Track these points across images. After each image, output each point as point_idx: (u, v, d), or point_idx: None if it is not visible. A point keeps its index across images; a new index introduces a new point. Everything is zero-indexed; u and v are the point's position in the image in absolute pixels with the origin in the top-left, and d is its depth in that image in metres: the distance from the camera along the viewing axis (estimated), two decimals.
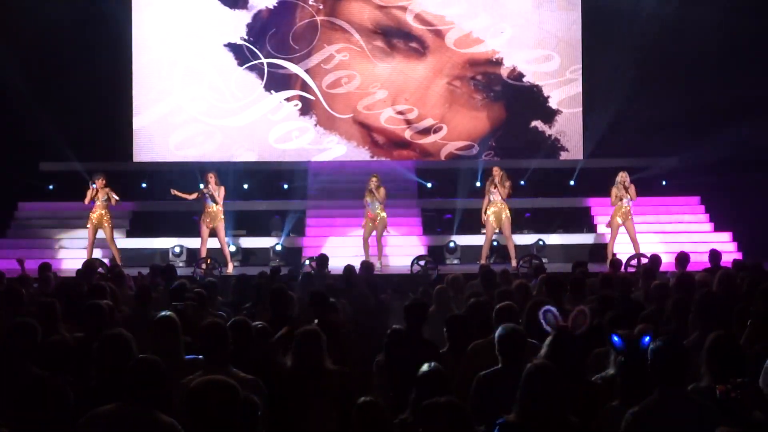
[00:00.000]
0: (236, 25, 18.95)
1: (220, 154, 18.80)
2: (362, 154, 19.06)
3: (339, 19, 19.05)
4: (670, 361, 4.30)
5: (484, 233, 15.53)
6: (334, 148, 19.04)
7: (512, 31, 19.10)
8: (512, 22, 19.12)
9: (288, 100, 19.00)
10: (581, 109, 19.02)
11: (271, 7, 19.01)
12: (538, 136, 19.05)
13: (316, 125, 19.00)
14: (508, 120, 19.06)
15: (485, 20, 19.07)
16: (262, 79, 18.94)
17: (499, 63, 19.09)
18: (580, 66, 18.94)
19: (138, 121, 18.76)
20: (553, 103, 19.10)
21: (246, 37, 18.95)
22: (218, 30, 18.97)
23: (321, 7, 19.05)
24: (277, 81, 18.97)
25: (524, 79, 19.11)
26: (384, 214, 15.08)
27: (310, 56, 18.99)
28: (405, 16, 19.07)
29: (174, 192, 15.18)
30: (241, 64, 18.93)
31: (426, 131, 19.11)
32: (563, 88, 19.07)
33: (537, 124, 19.14)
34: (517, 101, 19.08)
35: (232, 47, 18.96)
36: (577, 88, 19.01)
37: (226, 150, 18.89)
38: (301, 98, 19.02)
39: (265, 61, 18.89)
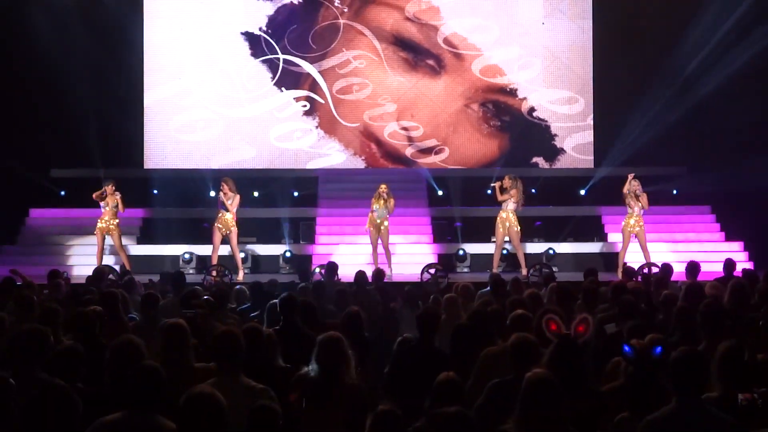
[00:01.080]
0: (257, 14, 18.97)
1: (219, 144, 18.87)
2: (358, 164, 19.03)
3: (363, 24, 19.02)
4: (689, 370, 4.28)
5: (494, 241, 15.54)
6: (334, 155, 19.02)
7: (541, 67, 19.08)
8: (543, 58, 19.11)
9: (297, 99, 19.02)
10: (593, 157, 19.04)
11: (296, 2, 19.03)
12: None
13: (317, 127, 18.99)
14: (511, 152, 18.86)
15: (515, 52, 19.04)
16: (275, 74, 18.93)
17: (514, 94, 19.04)
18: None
19: (148, 97, 18.84)
20: (560, 143, 19.06)
21: (265, 29, 18.95)
22: (238, 17, 19.00)
23: (346, 9, 19.02)
24: (288, 78, 18.96)
25: (535, 114, 19.06)
26: (387, 223, 15.11)
27: (327, 58, 18.98)
28: (435, 35, 19.01)
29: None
30: (255, 56, 18.96)
31: (427, 151, 19.07)
32: (580, 134, 19.04)
33: (538, 160, 19.07)
34: (524, 135, 19.02)
35: (250, 37, 18.98)
36: (590, 137, 18.98)
37: (225, 140, 18.91)
38: (310, 99, 19.02)
39: (281, 56, 18.90)
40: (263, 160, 18.98)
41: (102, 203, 14.81)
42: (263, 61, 18.94)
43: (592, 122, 19.03)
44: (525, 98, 19.05)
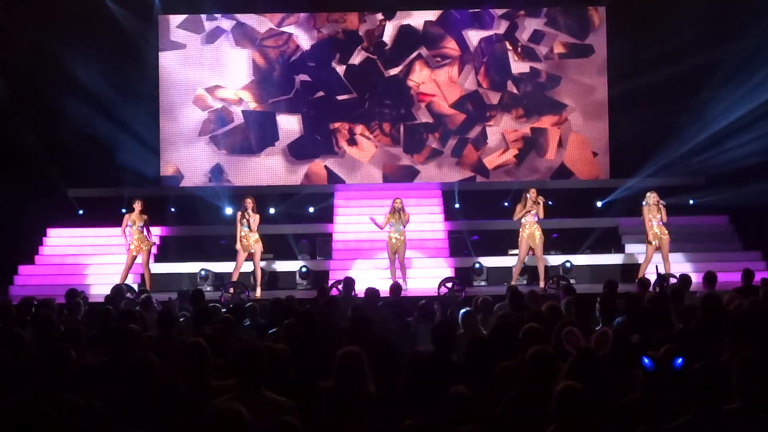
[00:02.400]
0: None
1: (225, 140, 19.07)
2: (360, 179, 19.19)
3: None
4: (707, 381, 4.25)
5: (514, 254, 15.46)
6: (339, 169, 19.20)
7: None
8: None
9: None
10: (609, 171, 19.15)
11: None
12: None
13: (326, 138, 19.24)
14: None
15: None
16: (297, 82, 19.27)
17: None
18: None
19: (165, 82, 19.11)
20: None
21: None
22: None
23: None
24: (306, 95, 19.30)
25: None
26: (404, 238, 15.09)
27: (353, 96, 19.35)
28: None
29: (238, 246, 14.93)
30: (283, 60, 19.30)
31: None
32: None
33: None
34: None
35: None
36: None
37: (234, 138, 19.16)
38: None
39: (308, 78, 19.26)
40: (268, 162, 19.15)
41: (130, 222, 14.88)
42: (290, 65, 19.34)
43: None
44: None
